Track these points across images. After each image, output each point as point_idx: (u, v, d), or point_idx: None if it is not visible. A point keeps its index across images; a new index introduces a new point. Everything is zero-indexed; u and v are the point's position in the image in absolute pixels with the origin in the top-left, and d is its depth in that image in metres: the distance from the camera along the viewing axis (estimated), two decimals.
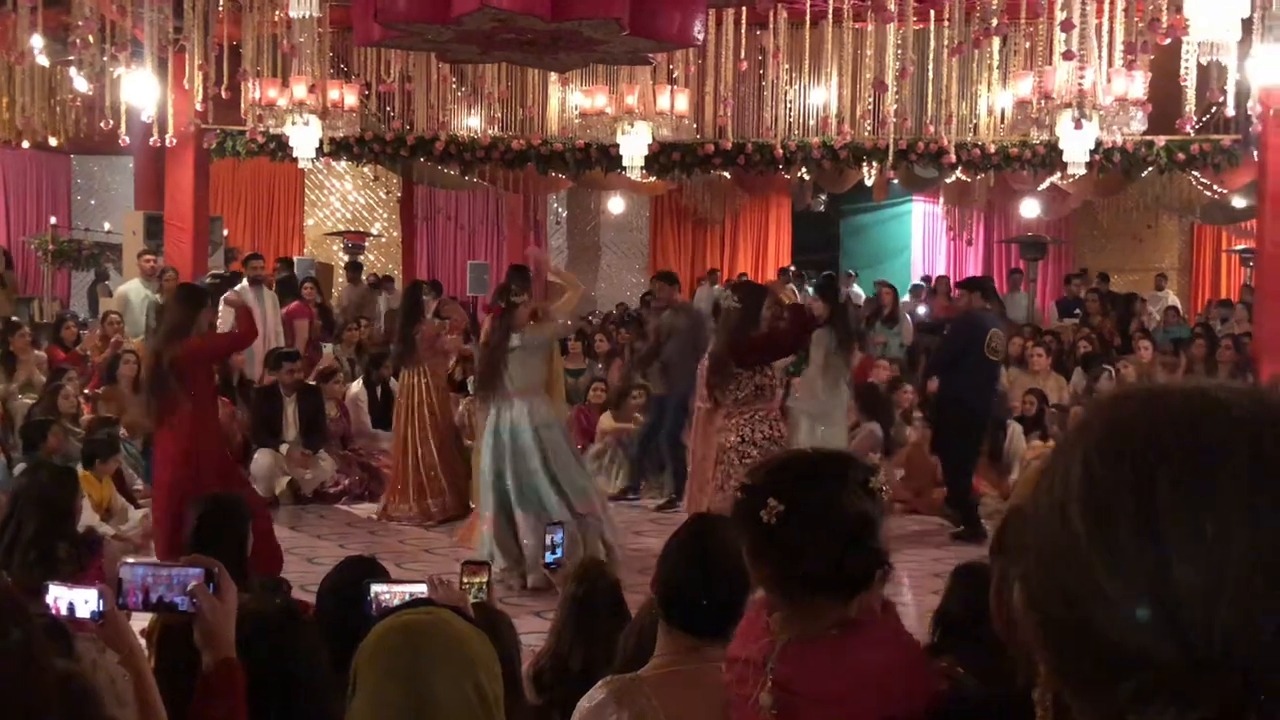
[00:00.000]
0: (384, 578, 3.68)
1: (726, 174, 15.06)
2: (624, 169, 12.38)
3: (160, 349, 7.28)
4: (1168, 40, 8.59)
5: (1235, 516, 0.86)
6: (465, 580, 3.78)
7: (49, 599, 2.83)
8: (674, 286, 10.86)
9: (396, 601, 3.05)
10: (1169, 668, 0.85)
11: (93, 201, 19.55)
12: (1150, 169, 13.14)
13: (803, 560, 2.04)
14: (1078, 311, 14.99)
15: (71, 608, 2.80)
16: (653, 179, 14.64)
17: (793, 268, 18.62)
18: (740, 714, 2.12)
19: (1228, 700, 0.84)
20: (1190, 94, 9.04)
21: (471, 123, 13.76)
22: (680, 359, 10.21)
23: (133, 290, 12.61)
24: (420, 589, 3.05)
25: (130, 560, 2.48)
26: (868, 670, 2.04)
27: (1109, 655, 0.88)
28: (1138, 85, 9.27)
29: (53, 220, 17.18)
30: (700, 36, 7.85)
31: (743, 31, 11.33)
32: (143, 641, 2.96)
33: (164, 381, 7.15)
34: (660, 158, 13.07)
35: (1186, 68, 8.81)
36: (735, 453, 7.67)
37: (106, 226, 17.25)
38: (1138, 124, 9.42)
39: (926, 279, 17.58)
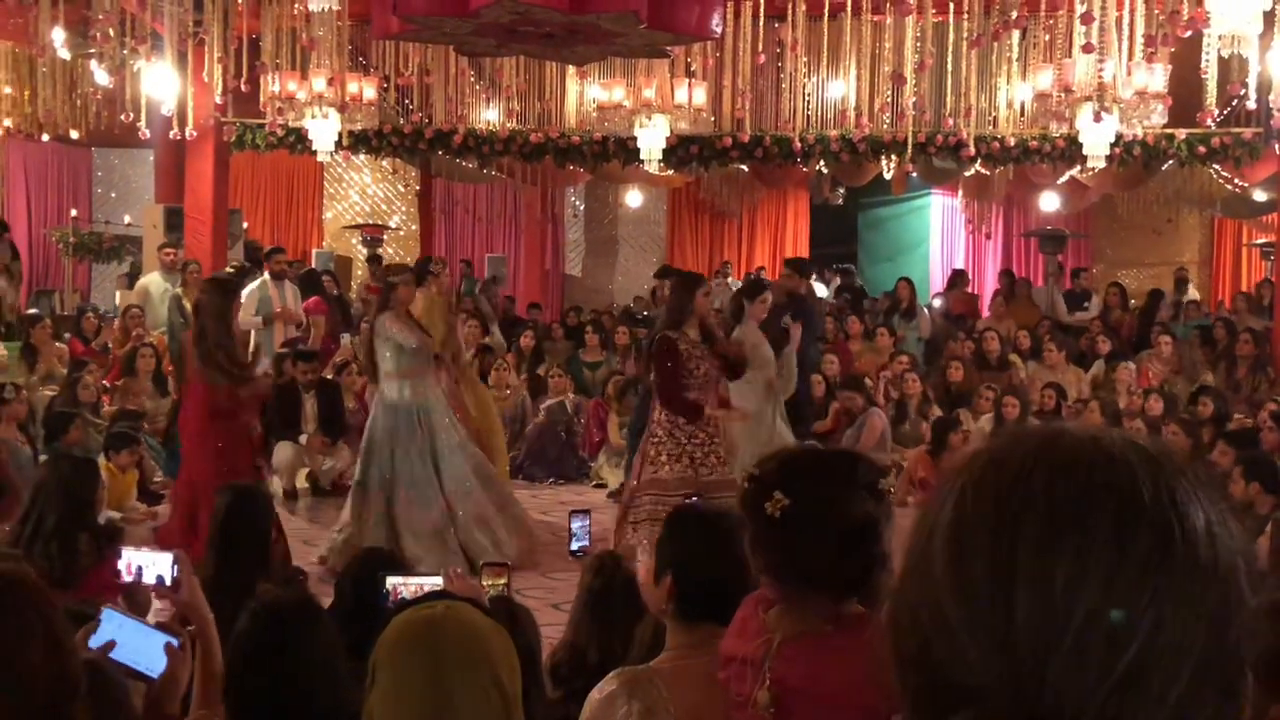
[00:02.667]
0: (400, 569, 3.70)
1: (744, 167, 14.99)
2: (641, 162, 12.37)
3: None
4: (1188, 33, 8.53)
5: (1088, 572, 0.84)
6: (487, 582, 3.79)
7: (120, 563, 2.81)
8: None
9: (412, 593, 3.07)
10: (997, 711, 0.84)
11: (113, 194, 19.61)
12: (1170, 162, 13.04)
13: (801, 557, 2.04)
14: (1086, 305, 14.93)
15: (140, 571, 2.76)
16: (670, 172, 14.60)
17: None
18: (738, 714, 2.12)
19: None
20: (1211, 87, 8.98)
21: (490, 116, 13.74)
22: None
23: (153, 283, 12.65)
24: (436, 581, 3.07)
25: (111, 608, 2.51)
26: (864, 666, 2.03)
27: (945, 690, 0.87)
28: (1158, 78, 9.21)
29: (73, 213, 17.23)
30: (718, 29, 7.83)
31: (760, 24, 11.28)
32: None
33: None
34: (678, 151, 13.03)
35: (1207, 60, 8.74)
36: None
37: (127, 219, 17.30)
38: (1158, 117, 9.36)
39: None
